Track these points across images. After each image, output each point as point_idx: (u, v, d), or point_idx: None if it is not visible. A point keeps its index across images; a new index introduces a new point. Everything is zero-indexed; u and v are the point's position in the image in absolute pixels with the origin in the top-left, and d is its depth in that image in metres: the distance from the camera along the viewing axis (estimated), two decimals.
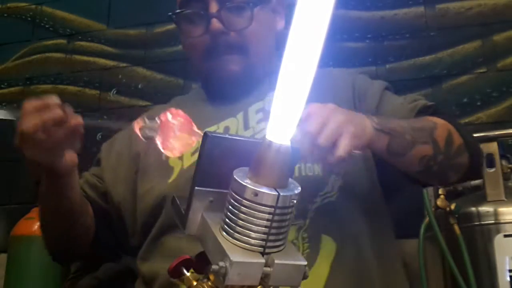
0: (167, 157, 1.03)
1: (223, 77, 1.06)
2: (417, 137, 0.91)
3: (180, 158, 1.03)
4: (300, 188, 0.54)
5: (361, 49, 2.12)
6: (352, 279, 0.93)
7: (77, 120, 0.83)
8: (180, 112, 0.84)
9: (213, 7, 1.04)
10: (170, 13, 1.13)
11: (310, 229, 0.93)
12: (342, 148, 0.74)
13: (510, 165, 1.56)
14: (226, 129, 1.05)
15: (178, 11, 1.10)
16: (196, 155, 1.01)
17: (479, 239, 1.44)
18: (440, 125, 0.97)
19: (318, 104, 0.77)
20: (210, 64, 1.06)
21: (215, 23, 1.03)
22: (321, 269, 0.91)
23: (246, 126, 1.04)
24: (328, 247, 0.93)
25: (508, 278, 1.38)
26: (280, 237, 0.54)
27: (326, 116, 0.75)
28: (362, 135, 0.80)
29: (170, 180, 1.02)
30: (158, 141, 0.81)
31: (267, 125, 0.53)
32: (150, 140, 0.81)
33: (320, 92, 0.70)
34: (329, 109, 0.77)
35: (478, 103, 1.97)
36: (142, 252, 1.05)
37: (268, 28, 1.08)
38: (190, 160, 1.02)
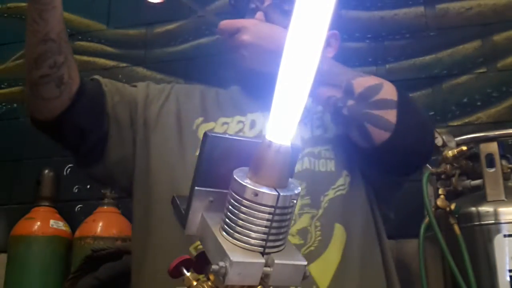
0: (197, 127, 1.06)
1: (252, 71, 1.06)
2: (328, 79, 0.96)
3: None
4: (300, 188, 0.54)
5: (361, 49, 2.12)
6: (360, 267, 0.98)
7: None
8: None
9: (265, 3, 1.08)
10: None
11: (324, 218, 0.97)
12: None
13: (510, 165, 1.56)
14: (253, 122, 1.07)
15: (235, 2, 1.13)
16: None
17: (479, 239, 1.44)
18: (373, 78, 0.99)
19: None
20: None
21: (259, 15, 1.06)
22: (333, 255, 0.96)
23: None
24: (339, 235, 0.98)
25: (508, 278, 1.38)
26: (280, 237, 0.54)
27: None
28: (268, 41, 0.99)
29: (197, 153, 1.03)
30: None
31: (268, 125, 0.53)
32: None
33: None
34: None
35: (478, 103, 1.97)
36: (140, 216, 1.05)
37: None
38: None
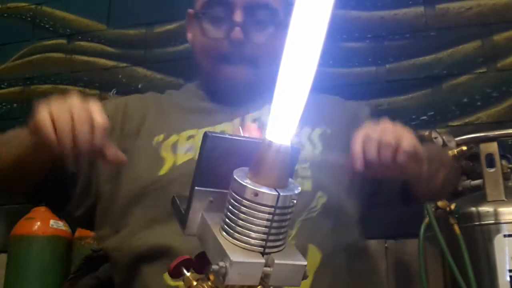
0: (158, 146, 1.03)
1: (230, 84, 1.08)
2: (441, 161, 1.02)
3: (174, 152, 1.03)
4: (300, 188, 0.54)
5: (361, 49, 2.12)
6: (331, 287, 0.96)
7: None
8: None
9: (238, 16, 1.05)
10: (191, 10, 1.13)
11: (297, 238, 0.95)
12: (407, 143, 0.82)
13: (510, 165, 1.56)
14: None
15: (201, 10, 1.10)
16: (190, 154, 1.01)
17: (479, 239, 1.44)
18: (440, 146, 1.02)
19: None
20: (220, 68, 1.08)
21: (238, 33, 1.04)
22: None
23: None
24: (313, 256, 0.95)
25: (508, 278, 1.38)
26: (280, 237, 0.54)
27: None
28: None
29: (161, 173, 1.01)
30: None
31: (267, 126, 0.53)
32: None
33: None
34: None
35: (478, 103, 1.97)
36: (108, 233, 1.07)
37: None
38: (184, 158, 1.01)
